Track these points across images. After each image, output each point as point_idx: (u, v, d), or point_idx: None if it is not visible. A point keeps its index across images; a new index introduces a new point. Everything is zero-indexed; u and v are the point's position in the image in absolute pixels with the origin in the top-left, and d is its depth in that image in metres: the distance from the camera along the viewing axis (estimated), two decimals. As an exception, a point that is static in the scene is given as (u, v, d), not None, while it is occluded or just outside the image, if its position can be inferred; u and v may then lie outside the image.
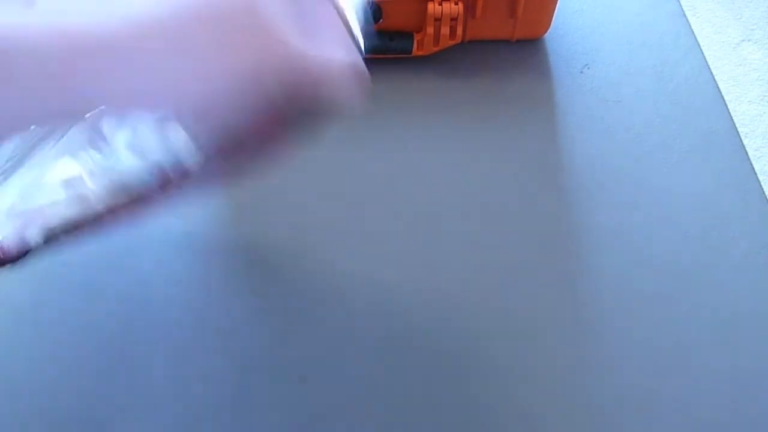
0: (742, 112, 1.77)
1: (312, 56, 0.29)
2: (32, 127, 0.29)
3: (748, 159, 0.69)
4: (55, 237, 0.37)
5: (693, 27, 0.79)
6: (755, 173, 0.67)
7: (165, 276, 0.61)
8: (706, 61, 0.77)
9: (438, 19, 0.71)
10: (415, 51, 0.74)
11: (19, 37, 0.26)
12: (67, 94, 0.27)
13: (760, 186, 0.67)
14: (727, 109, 0.73)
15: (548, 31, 0.77)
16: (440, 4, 0.70)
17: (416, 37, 0.74)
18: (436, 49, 0.74)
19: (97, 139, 0.32)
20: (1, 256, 0.37)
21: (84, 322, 0.59)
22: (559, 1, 0.73)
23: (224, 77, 0.27)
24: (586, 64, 0.77)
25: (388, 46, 0.74)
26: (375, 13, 0.72)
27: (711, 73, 0.76)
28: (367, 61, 0.33)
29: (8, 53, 0.26)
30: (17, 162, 0.35)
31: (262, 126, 0.30)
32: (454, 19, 0.71)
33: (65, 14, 0.27)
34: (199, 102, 0.28)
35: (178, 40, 0.27)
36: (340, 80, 0.30)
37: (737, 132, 0.71)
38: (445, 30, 0.72)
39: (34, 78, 0.26)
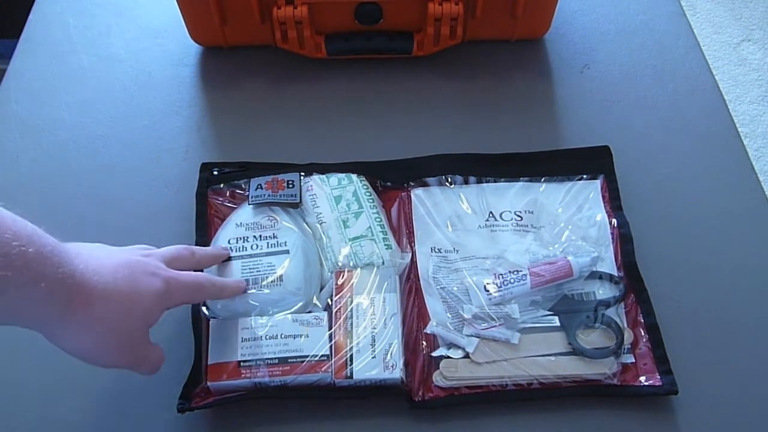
0: (742, 112, 1.77)
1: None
2: None
3: (748, 159, 0.69)
4: None
5: (693, 27, 0.79)
6: (755, 173, 0.67)
7: None
8: (706, 61, 0.77)
9: (438, 19, 0.71)
10: (415, 51, 0.74)
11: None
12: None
13: (760, 186, 0.67)
14: (727, 109, 0.73)
15: (548, 31, 0.77)
16: (440, 4, 0.70)
17: (416, 37, 0.73)
18: (436, 49, 0.74)
19: None
20: None
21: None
22: (559, 1, 0.73)
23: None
24: (586, 64, 0.77)
25: (388, 46, 0.74)
26: (375, 13, 0.72)
27: (711, 73, 0.76)
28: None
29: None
30: None
31: None
32: (454, 19, 0.71)
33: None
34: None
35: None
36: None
37: (737, 132, 0.71)
38: (445, 30, 0.72)
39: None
